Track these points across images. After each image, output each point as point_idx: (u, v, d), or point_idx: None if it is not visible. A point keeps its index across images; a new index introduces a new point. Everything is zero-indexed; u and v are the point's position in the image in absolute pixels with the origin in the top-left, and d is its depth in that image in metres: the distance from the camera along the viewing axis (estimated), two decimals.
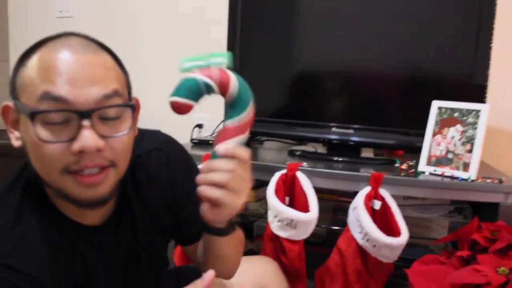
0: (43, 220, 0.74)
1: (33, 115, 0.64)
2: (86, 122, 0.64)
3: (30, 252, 0.71)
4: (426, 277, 1.10)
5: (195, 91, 0.71)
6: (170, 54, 2.21)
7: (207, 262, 0.88)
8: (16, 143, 0.72)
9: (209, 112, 2.08)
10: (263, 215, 1.61)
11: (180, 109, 0.72)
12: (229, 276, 0.94)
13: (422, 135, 1.35)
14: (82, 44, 0.68)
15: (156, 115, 2.22)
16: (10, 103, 0.70)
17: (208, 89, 0.71)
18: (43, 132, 0.64)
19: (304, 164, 1.36)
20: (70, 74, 0.64)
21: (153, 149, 0.88)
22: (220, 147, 0.72)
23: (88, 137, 0.64)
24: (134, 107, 0.72)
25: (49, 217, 0.75)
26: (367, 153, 1.61)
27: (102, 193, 0.69)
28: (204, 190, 0.70)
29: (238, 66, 1.61)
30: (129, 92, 0.75)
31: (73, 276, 0.77)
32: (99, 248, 0.81)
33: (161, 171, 0.87)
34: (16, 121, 0.70)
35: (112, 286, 0.84)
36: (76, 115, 0.64)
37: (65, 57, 0.65)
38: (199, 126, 2.08)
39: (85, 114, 0.64)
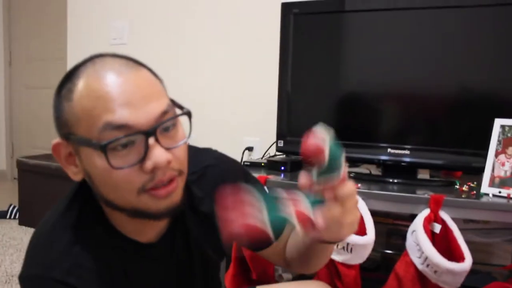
0: (100, 239, 0.75)
1: (104, 147, 0.64)
2: (152, 140, 0.65)
3: (87, 271, 0.72)
4: None
5: (278, 228, 0.64)
6: (224, 79, 2.24)
7: (306, 261, 0.90)
8: (75, 177, 0.73)
9: (260, 135, 2.10)
10: None
11: (253, 232, 0.61)
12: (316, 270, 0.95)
13: (481, 155, 1.30)
14: (121, 63, 0.69)
15: (208, 139, 2.25)
16: (59, 140, 0.71)
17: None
18: (113, 160, 0.65)
19: (359, 186, 1.33)
20: (124, 98, 0.65)
21: (208, 165, 0.88)
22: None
23: (158, 155, 0.65)
24: (190, 114, 0.72)
25: (106, 235, 0.76)
26: (423, 174, 1.55)
27: (177, 200, 0.71)
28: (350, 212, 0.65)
29: (290, 88, 1.63)
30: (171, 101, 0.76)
31: None
32: (154, 264, 0.81)
33: (218, 185, 0.87)
34: (70, 155, 0.71)
35: None
36: (142, 135, 0.65)
37: (112, 81, 0.65)
38: (249, 149, 2.08)
39: (149, 133, 0.65)
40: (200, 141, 2.37)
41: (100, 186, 0.69)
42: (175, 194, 0.70)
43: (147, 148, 0.65)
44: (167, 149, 0.67)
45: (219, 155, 0.92)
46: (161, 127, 0.67)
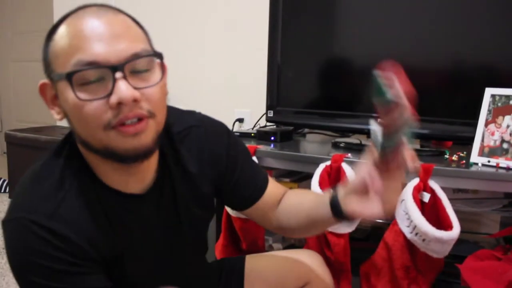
0: (85, 188, 0.76)
1: (69, 76, 0.67)
2: (119, 74, 0.67)
3: (70, 216, 0.73)
4: (481, 273, 1.05)
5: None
6: (215, 51, 2.21)
7: (307, 230, 0.97)
8: (57, 117, 0.74)
9: (250, 106, 2.08)
10: None
11: None
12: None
13: (471, 125, 1.29)
14: (101, 8, 0.72)
15: (199, 109, 2.23)
16: (46, 80, 0.73)
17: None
18: (81, 93, 0.67)
19: (349, 155, 1.32)
20: (97, 36, 0.67)
21: (192, 125, 0.90)
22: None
23: (123, 89, 0.67)
24: (161, 56, 0.74)
25: (91, 185, 0.77)
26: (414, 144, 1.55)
27: (146, 142, 0.71)
28: None
29: (279, 58, 1.61)
30: (152, 48, 0.77)
31: (111, 243, 0.78)
32: (139, 217, 0.81)
33: (202, 145, 0.89)
34: (55, 96, 0.73)
35: (151, 257, 0.85)
36: (109, 70, 0.67)
37: (89, 21, 0.68)
38: (240, 120, 2.07)
39: (117, 67, 0.67)
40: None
41: (74, 123, 0.71)
42: (144, 135, 0.70)
43: (113, 83, 0.66)
44: (137, 88, 0.68)
45: (203, 117, 0.94)
46: (132, 67, 0.68)
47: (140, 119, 0.69)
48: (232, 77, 2.18)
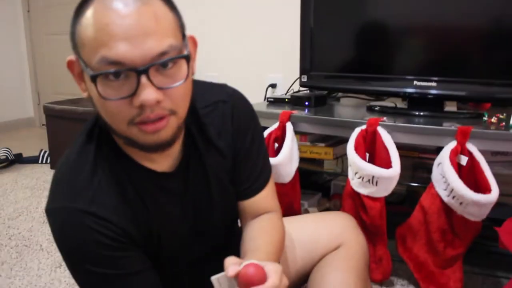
0: (118, 169, 0.78)
1: (94, 78, 0.66)
2: (144, 79, 0.66)
3: (108, 199, 0.76)
4: None
5: None
6: (247, 17, 2.19)
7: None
8: (84, 94, 0.75)
9: (283, 71, 2.07)
10: (340, 174, 1.58)
11: None
12: None
13: (511, 86, 1.25)
14: None
15: (232, 76, 2.24)
16: (73, 57, 0.73)
17: None
18: (104, 90, 0.67)
19: (385, 119, 1.31)
20: (123, 33, 0.65)
21: (219, 100, 0.89)
22: None
23: (147, 93, 0.66)
24: (189, 58, 0.71)
25: (123, 165, 0.79)
26: (450, 107, 1.52)
27: (165, 137, 0.72)
28: None
29: (312, 23, 1.59)
30: (183, 34, 0.74)
31: (147, 221, 0.80)
32: (171, 194, 0.83)
33: (226, 122, 0.89)
34: (82, 73, 0.72)
35: (185, 230, 0.87)
36: (134, 72, 0.66)
37: (116, 13, 0.65)
38: (273, 86, 2.07)
39: (142, 71, 0.66)
40: (223, 79, 2.37)
41: (99, 110, 0.72)
42: (164, 131, 0.71)
43: (138, 85, 0.66)
44: (161, 88, 0.67)
45: (232, 92, 0.92)
46: (158, 67, 0.67)
47: (161, 117, 0.70)
48: (265, 41, 2.17)
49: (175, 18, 0.72)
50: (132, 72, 0.66)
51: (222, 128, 0.88)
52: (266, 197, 0.97)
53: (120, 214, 0.76)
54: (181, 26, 0.74)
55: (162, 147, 0.73)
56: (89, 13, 0.67)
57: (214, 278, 0.72)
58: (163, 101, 0.68)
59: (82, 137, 0.80)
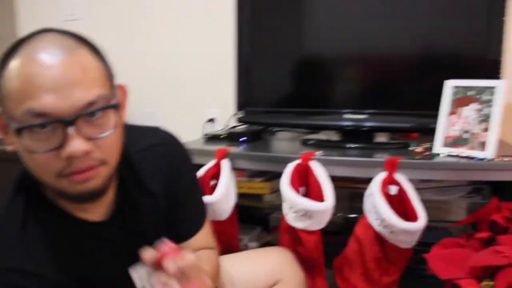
0: (49, 221, 0.77)
1: (19, 131, 0.65)
2: (71, 130, 0.65)
3: (39, 253, 0.74)
4: (446, 261, 1.08)
5: None
6: (183, 51, 2.21)
7: None
8: (9, 147, 0.73)
9: (220, 106, 2.09)
10: (279, 207, 1.60)
11: None
12: None
13: (437, 116, 1.32)
14: (59, 44, 0.67)
15: (168, 112, 2.23)
16: None
17: None
18: (30, 144, 0.66)
19: (318, 153, 1.35)
20: (49, 84, 0.64)
21: (153, 144, 0.90)
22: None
23: (75, 144, 0.65)
24: (117, 106, 0.72)
25: (54, 217, 0.77)
26: (381, 137, 1.58)
27: (95, 186, 0.71)
28: None
29: (247, 57, 1.62)
30: (111, 83, 0.74)
31: (79, 270, 0.79)
32: (106, 242, 0.83)
33: (160, 165, 0.89)
34: (6, 126, 0.70)
35: (119, 280, 0.86)
36: (61, 124, 0.65)
37: (41, 65, 0.64)
38: (211, 120, 2.08)
39: (69, 122, 0.65)
40: (160, 115, 2.35)
41: (26, 165, 0.71)
42: (94, 181, 0.70)
43: (65, 137, 0.65)
44: (90, 139, 0.67)
45: (165, 135, 0.93)
46: (86, 117, 0.67)
47: (90, 167, 0.69)
48: (201, 76, 2.18)
49: (103, 67, 0.72)
50: (59, 124, 0.65)
51: (156, 172, 0.88)
52: (202, 238, 0.98)
53: (52, 267, 0.75)
54: (110, 75, 0.74)
55: (92, 196, 0.73)
56: (13, 65, 0.66)
57: (132, 269, 0.71)
58: (93, 151, 0.68)
59: (9, 191, 0.78)
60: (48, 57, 0.65)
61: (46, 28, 0.71)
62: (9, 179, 0.81)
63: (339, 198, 1.28)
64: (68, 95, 0.64)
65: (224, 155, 1.42)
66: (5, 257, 0.72)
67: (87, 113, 0.66)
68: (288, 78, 1.62)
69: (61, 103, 0.64)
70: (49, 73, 0.64)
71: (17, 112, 0.65)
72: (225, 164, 1.41)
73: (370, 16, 1.47)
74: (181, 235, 0.94)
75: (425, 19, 1.41)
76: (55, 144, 0.66)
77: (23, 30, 2.65)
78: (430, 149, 1.36)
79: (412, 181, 1.25)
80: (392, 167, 1.24)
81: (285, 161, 1.34)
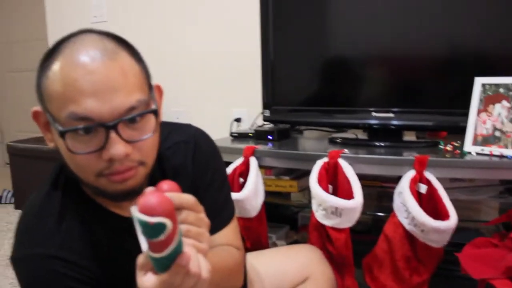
0: (86, 215, 0.79)
1: (63, 134, 0.67)
2: (113, 134, 0.67)
3: (76, 244, 0.77)
4: (479, 260, 1.07)
5: None
6: (210, 51, 2.23)
7: None
8: (50, 144, 0.75)
9: (247, 105, 2.10)
10: (307, 205, 1.60)
11: None
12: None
13: (465, 115, 1.31)
14: (100, 47, 0.69)
15: (196, 111, 2.26)
16: (39, 108, 0.73)
17: None
18: (73, 145, 0.68)
19: (346, 151, 1.34)
20: (91, 89, 0.66)
21: (181, 141, 0.91)
22: None
23: (116, 148, 0.67)
24: (156, 112, 0.73)
25: (91, 211, 0.80)
26: (409, 136, 1.57)
27: (133, 186, 0.73)
28: None
29: (273, 57, 1.63)
30: (149, 85, 0.76)
31: (116, 265, 0.81)
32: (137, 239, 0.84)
33: (187, 161, 0.91)
34: (47, 123, 0.73)
35: None
36: (103, 127, 0.67)
37: (83, 69, 0.66)
38: (238, 120, 2.09)
39: (111, 126, 0.67)
40: (190, 114, 2.38)
41: (66, 162, 0.73)
42: (132, 180, 0.72)
43: (107, 140, 0.67)
44: (130, 142, 0.69)
45: (194, 132, 0.94)
46: (126, 120, 0.68)
47: (129, 168, 0.71)
48: (228, 75, 2.20)
49: (141, 70, 0.74)
50: (101, 127, 0.67)
51: (183, 168, 0.90)
52: (228, 236, 0.97)
53: (89, 258, 0.77)
54: (148, 77, 0.76)
55: (129, 195, 0.74)
56: (56, 67, 0.68)
57: (133, 208, 0.63)
58: (132, 153, 0.70)
59: (47, 185, 0.81)
60: (90, 61, 0.67)
61: (86, 28, 0.72)
62: (46, 175, 0.83)
63: (366, 197, 1.27)
64: (109, 100, 0.66)
65: (251, 152, 1.44)
66: (47, 243, 0.74)
67: (128, 119, 0.68)
68: (314, 77, 1.62)
69: (103, 108, 0.66)
70: (91, 78, 0.66)
71: (60, 114, 0.67)
72: (253, 162, 1.42)
73: (396, 15, 1.46)
74: None
75: (453, 15, 1.40)
76: (97, 146, 0.68)
77: (52, 34, 2.71)
78: (460, 148, 1.35)
79: (442, 180, 1.24)
80: (421, 165, 1.23)
81: (313, 159, 1.35)
